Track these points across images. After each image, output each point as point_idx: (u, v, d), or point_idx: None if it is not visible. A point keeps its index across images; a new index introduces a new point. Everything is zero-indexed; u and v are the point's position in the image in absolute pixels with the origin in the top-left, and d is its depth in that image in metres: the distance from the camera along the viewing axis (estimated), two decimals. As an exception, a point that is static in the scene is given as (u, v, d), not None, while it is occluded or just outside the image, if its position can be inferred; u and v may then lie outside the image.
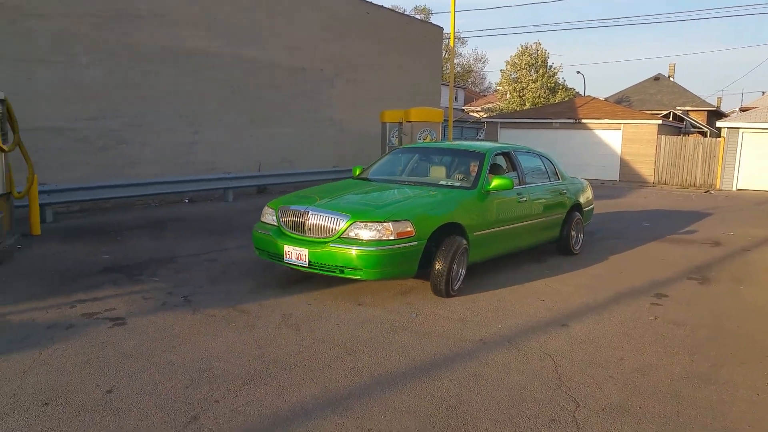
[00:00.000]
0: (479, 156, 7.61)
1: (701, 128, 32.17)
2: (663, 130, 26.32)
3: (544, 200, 8.30)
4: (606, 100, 34.30)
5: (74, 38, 12.34)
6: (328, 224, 6.04)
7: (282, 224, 6.46)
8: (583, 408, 3.96)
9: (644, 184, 25.22)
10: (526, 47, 43.20)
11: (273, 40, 17.00)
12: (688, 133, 30.46)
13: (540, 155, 8.95)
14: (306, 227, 6.19)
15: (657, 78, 40.98)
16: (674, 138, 25.60)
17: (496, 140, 28.70)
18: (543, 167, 8.79)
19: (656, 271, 8.17)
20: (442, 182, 7.47)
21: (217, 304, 6.01)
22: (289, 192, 7.87)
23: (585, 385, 4.31)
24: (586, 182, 10.02)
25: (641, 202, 17.76)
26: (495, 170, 7.53)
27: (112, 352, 4.68)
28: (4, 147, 8.28)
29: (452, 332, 5.36)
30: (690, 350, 5.13)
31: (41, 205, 10.18)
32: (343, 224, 5.96)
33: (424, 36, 23.67)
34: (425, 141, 14.66)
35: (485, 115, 41.35)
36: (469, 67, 63.26)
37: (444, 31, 25.41)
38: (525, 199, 7.76)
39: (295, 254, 6.11)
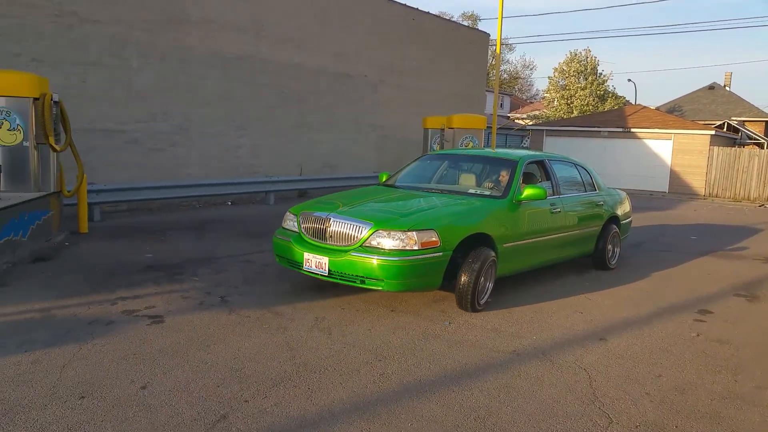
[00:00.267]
0: (511, 164, 7.33)
1: (758, 139, 31.11)
2: (716, 141, 25.55)
3: (579, 212, 7.99)
4: (657, 109, 33.51)
5: (127, 43, 12.73)
6: (350, 232, 5.85)
7: (303, 231, 6.27)
8: (616, 424, 3.85)
9: (695, 196, 24.51)
10: (575, 54, 42.64)
11: (319, 46, 17.19)
12: (743, 145, 29.52)
13: (576, 164, 8.64)
14: (327, 234, 5.99)
15: (712, 87, 39.85)
16: (728, 149, 24.81)
17: (541, 148, 28.36)
18: (579, 177, 8.48)
19: (702, 286, 7.92)
20: (471, 191, 7.24)
21: (252, 305, 6.08)
22: (329, 196, 7.84)
23: (620, 401, 4.20)
24: (624, 194, 9.66)
25: (691, 215, 17.26)
26: (528, 179, 7.32)
27: (149, 349, 4.78)
28: (57, 147, 8.60)
29: (485, 342, 5.30)
30: (733, 369, 4.94)
31: (90, 204, 10.51)
32: (365, 232, 5.76)
33: (470, 42, 23.58)
34: (467, 148, 14.56)
35: (531, 123, 40.90)
36: (516, 73, 62.72)
37: (491, 38, 25.27)
38: (559, 210, 7.47)
39: (315, 262, 5.93)
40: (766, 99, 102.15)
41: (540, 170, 7.77)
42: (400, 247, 5.62)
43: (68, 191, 9.25)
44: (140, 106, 13.13)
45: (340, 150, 18.24)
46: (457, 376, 4.52)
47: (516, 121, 46.67)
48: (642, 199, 21.75)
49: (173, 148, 13.91)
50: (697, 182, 25.03)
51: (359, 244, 5.76)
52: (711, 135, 25.13)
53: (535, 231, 7.06)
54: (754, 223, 15.67)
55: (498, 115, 31.88)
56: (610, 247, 8.56)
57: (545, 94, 47.13)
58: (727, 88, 39.98)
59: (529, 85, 65.87)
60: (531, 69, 64.85)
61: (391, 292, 6.16)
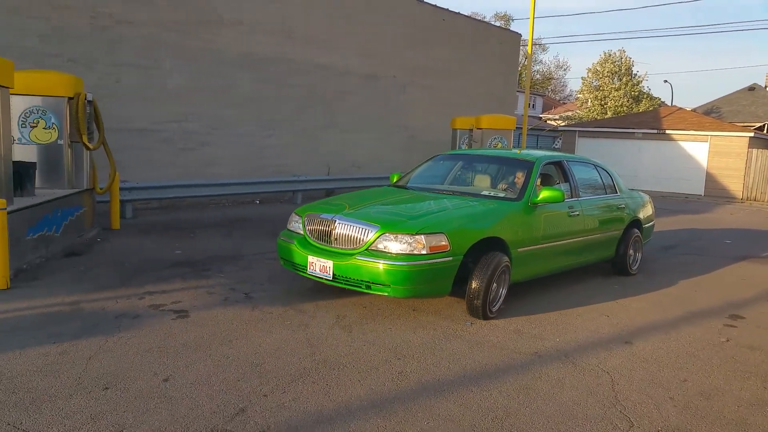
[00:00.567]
0: (527, 165, 7.05)
1: (799, 142, 30.23)
2: (755, 143, 24.91)
3: (598, 215, 7.69)
4: (694, 110, 32.84)
5: (160, 44, 12.95)
6: (356, 234, 5.62)
7: (307, 233, 6.07)
8: (636, 428, 3.78)
9: (731, 199, 23.95)
10: (609, 54, 42.04)
11: (348, 46, 17.27)
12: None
13: (596, 166, 8.35)
14: (332, 237, 5.77)
15: (752, 88, 38.87)
16: (767, 152, 24.19)
17: (573, 150, 28.02)
18: (599, 179, 8.18)
19: (734, 291, 7.73)
20: (485, 192, 6.94)
21: (276, 302, 6.14)
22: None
23: (642, 405, 4.13)
24: (646, 197, 9.33)
25: (726, 219, 16.87)
26: (545, 181, 7.10)
27: (173, 343, 4.86)
28: (90, 145, 8.79)
29: (506, 343, 5.26)
30: (763, 376, 4.82)
31: (122, 202, 10.73)
32: (371, 235, 5.54)
33: (501, 43, 23.43)
34: (495, 148, 14.46)
35: (563, 124, 40.45)
36: (550, 74, 62.08)
37: (522, 38, 25.07)
38: (577, 213, 7.19)
39: (319, 266, 5.72)
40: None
41: (558, 172, 7.51)
42: (407, 251, 5.40)
43: (100, 188, 9.46)
44: (172, 106, 13.35)
45: (367, 150, 18.29)
46: (476, 377, 4.49)
47: (548, 122, 46.19)
48: (676, 202, 21.38)
49: (203, 147, 14.11)
50: (735, 185, 24.46)
51: (365, 247, 5.55)
52: (750, 137, 24.51)
53: (552, 235, 6.79)
54: (793, 228, 15.24)
55: (529, 116, 31.59)
56: (631, 252, 8.28)
57: (578, 95, 46.55)
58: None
59: (563, 85, 65.18)
60: (564, 69, 64.27)
61: (398, 298, 5.95)
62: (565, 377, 4.56)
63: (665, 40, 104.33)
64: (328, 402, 3.95)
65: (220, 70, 14.16)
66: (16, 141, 8.13)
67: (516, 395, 4.20)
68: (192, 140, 13.87)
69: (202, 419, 3.64)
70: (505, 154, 8.06)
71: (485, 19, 35.77)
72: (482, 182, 7.41)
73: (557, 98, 62.14)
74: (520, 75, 35.33)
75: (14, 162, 7.20)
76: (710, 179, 25.05)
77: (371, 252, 5.50)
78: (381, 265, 5.36)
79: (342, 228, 5.73)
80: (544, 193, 6.50)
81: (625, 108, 40.29)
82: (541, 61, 60.00)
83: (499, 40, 23.38)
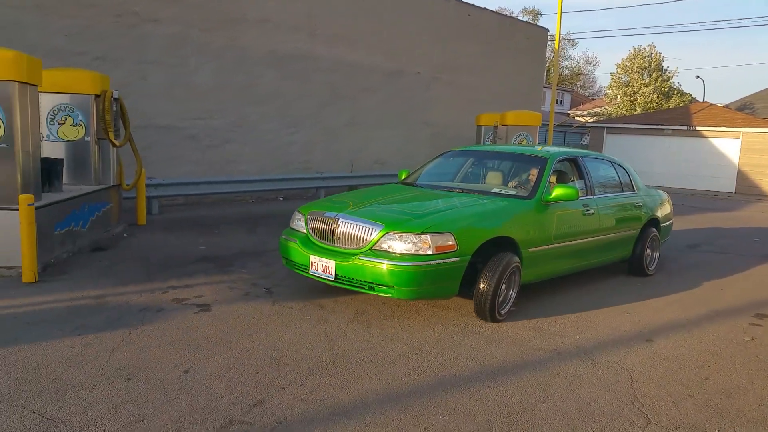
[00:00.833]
0: (540, 161, 6.83)
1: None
2: (789, 139, 24.36)
3: (614, 213, 7.44)
4: (726, 107, 32.18)
5: (185, 42, 13.11)
6: (359, 233, 5.43)
7: (310, 231, 5.89)
8: (654, 425, 3.75)
9: (763, 197, 23.44)
10: (639, 50, 41.43)
11: (372, 43, 17.28)
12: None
13: (613, 162, 8.12)
14: (335, 236, 5.58)
15: (785, 84, 37.93)
16: (801, 148, 23.64)
17: (600, 146, 27.71)
18: (616, 176, 7.94)
19: (761, 290, 7.59)
20: (496, 190, 6.70)
21: (296, 297, 6.19)
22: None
23: (660, 403, 4.09)
24: (665, 195, 9.07)
25: (757, 217, 16.53)
26: (559, 178, 6.93)
27: (194, 336, 4.94)
28: (116, 142, 8.96)
29: (525, 340, 5.24)
30: (787, 375, 4.73)
31: (148, 198, 10.91)
32: (375, 234, 5.34)
33: (528, 38, 23.22)
34: (520, 145, 14.35)
35: (591, 120, 39.98)
36: (578, 69, 61.35)
37: (550, 33, 24.83)
38: (592, 211, 6.94)
39: (321, 266, 5.53)
40: None
41: (573, 169, 7.29)
42: (412, 252, 5.19)
43: (127, 185, 9.63)
44: (197, 104, 13.51)
45: (391, 147, 18.29)
46: (493, 372, 4.49)
47: (576, 118, 45.69)
48: (705, 200, 21.02)
49: (228, 144, 14.26)
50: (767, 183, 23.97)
51: (368, 247, 5.36)
52: (784, 133, 23.98)
53: (565, 234, 6.54)
54: (826, 226, 14.87)
55: (556, 112, 31.33)
56: (648, 251, 8.03)
57: (607, 91, 46.00)
58: (802, 85, 38.04)
59: (592, 81, 64.34)
60: (594, 65, 63.33)
61: (401, 300, 5.77)
62: (583, 374, 4.53)
63: (698, 35, 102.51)
64: (345, 395, 3.99)
65: (244, 68, 14.29)
66: (45, 138, 8.31)
67: (533, 391, 4.19)
68: (217, 137, 14.03)
69: (220, 410, 3.70)
70: (517, 150, 7.83)
71: (513, 15, 35.46)
72: (493, 179, 7.18)
73: (586, 94, 61.38)
74: (547, 71, 35.03)
75: (42, 158, 7.37)
76: (741, 176, 24.57)
77: (375, 252, 5.31)
78: (385, 266, 5.16)
79: (345, 227, 5.55)
80: (558, 191, 6.28)
81: (654, 104, 39.70)
82: (569, 57, 59.46)
83: (525, 35, 23.18)
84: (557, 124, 33.98)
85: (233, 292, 6.31)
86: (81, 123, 8.50)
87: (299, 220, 6.14)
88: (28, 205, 6.23)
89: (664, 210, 8.68)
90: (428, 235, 5.23)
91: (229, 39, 13.85)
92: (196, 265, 7.46)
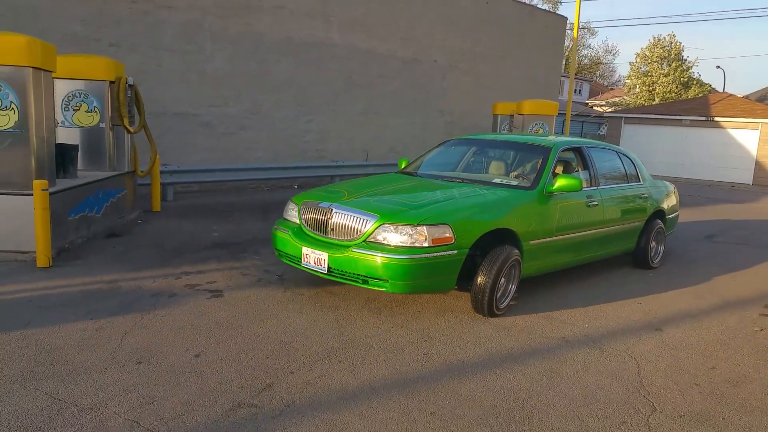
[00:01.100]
0: (543, 151, 6.59)
1: None
2: (810, 131, 23.99)
3: (619, 205, 7.23)
4: (746, 97, 31.73)
5: (200, 29, 13.15)
6: (353, 225, 5.22)
7: (303, 222, 5.68)
8: (659, 413, 3.76)
9: (782, 189, 23.15)
10: (659, 39, 40.92)
11: (388, 30, 17.21)
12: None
13: (619, 152, 7.89)
14: (329, 227, 5.38)
15: (807, 73, 37.27)
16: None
17: (618, 136, 27.48)
18: (621, 167, 7.71)
19: (775, 281, 7.52)
20: (497, 180, 6.47)
21: (307, 284, 6.23)
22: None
23: (667, 391, 4.10)
24: (671, 186, 8.85)
25: (775, 208, 16.33)
26: (563, 168, 6.75)
27: (206, 321, 4.99)
28: (131, 129, 9.02)
29: (534, 328, 5.24)
30: (798, 366, 4.70)
31: (163, 185, 10.99)
32: (369, 226, 5.13)
33: (546, 26, 22.99)
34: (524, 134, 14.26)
35: (609, 110, 39.61)
36: (598, 59, 60.66)
37: (569, 21, 24.58)
38: (596, 203, 6.73)
39: (314, 258, 5.33)
40: None
41: (577, 158, 7.06)
42: (408, 244, 4.99)
43: (141, 171, 9.70)
44: (213, 91, 13.56)
45: (406, 135, 18.25)
46: (501, 360, 4.51)
47: (594, 108, 45.27)
48: (722, 191, 20.80)
49: (243, 131, 14.31)
50: (786, 174, 23.67)
51: (363, 239, 5.15)
52: (803, 124, 23.62)
53: (568, 226, 6.33)
54: None
55: (574, 102, 31.02)
56: (653, 244, 7.86)
57: (626, 81, 45.53)
58: (824, 74, 37.36)
59: (611, 71, 63.60)
60: (614, 54, 62.53)
61: (396, 294, 5.57)
62: (591, 362, 4.54)
63: (719, 24, 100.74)
64: (353, 380, 4.02)
65: (260, 55, 14.31)
66: (59, 124, 8.40)
67: (540, 378, 4.20)
68: (232, 124, 14.09)
69: (229, 393, 3.75)
70: (520, 139, 7.49)
71: (530, 3, 35.06)
72: (495, 169, 6.97)
73: (605, 84, 60.74)
74: (566, 60, 34.70)
75: (57, 144, 7.44)
76: (759, 168, 24.26)
77: (369, 244, 5.11)
78: (379, 259, 4.95)
79: (339, 217, 5.34)
80: (561, 182, 6.06)
81: (673, 94, 39.24)
82: (589, 46, 58.75)
83: (544, 24, 22.96)
84: (575, 113, 33.70)
85: (245, 278, 6.36)
86: (96, 109, 8.57)
87: (292, 210, 5.95)
88: (42, 190, 6.30)
89: (669, 201, 8.49)
90: (425, 227, 5.03)
91: (244, 25, 13.86)
92: (210, 251, 7.52)
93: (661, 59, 40.47)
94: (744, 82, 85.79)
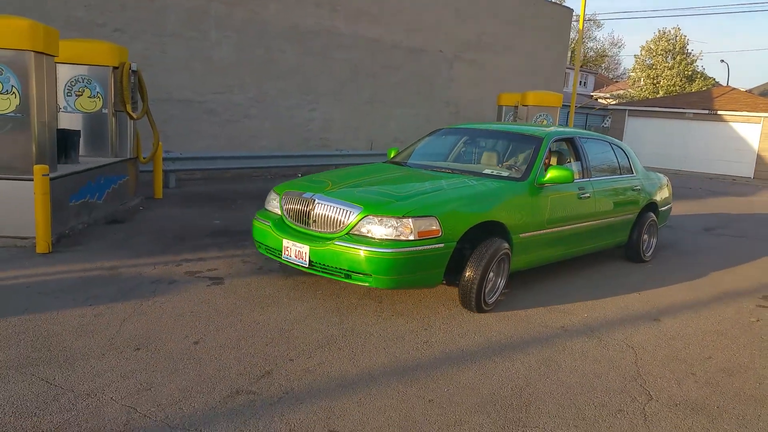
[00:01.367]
0: (535, 141, 6.40)
1: None
2: (813, 125, 23.90)
3: (611, 197, 7.07)
4: (749, 91, 31.59)
5: (206, 15, 13.10)
6: (336, 216, 5.01)
7: (284, 213, 5.46)
8: (655, 402, 3.80)
9: (785, 182, 23.10)
10: (664, 32, 40.71)
11: (394, 21, 17.14)
12: None
13: (612, 144, 7.70)
14: (311, 219, 5.16)
15: (813, 67, 37.06)
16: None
17: (622, 128, 27.41)
18: (614, 158, 7.53)
19: (774, 273, 7.53)
20: (487, 171, 6.25)
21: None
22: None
23: (663, 380, 4.14)
24: (664, 178, 8.66)
25: (778, 202, 16.30)
26: (555, 159, 6.59)
27: (206, 308, 5.00)
28: (134, 115, 9.01)
29: (534, 317, 5.26)
30: (793, 357, 4.72)
31: (165, 172, 10.99)
32: (353, 218, 4.91)
33: (552, 18, 22.87)
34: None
35: (613, 102, 39.47)
36: (604, 51, 60.37)
37: (575, 13, 24.47)
38: (588, 195, 6.55)
39: (295, 251, 5.11)
40: None
41: (569, 149, 6.87)
42: (392, 237, 4.77)
43: (144, 158, 9.70)
44: (217, 78, 13.53)
45: (411, 125, 18.21)
46: (500, 348, 4.52)
47: (599, 100, 45.09)
48: (723, 184, 20.78)
49: (247, 119, 14.29)
50: (789, 168, 23.61)
51: (346, 231, 4.94)
52: (807, 118, 23.54)
53: (559, 219, 6.16)
54: None
55: (579, 94, 30.91)
56: (645, 237, 7.73)
57: (631, 73, 45.32)
58: (831, 68, 37.16)
59: (617, 63, 63.32)
60: (619, 47, 62.17)
61: (380, 289, 5.36)
62: (588, 351, 4.56)
63: (724, 18, 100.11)
64: (352, 368, 4.03)
65: (265, 43, 14.26)
66: (62, 109, 8.39)
67: (538, 366, 4.22)
68: (236, 112, 14.06)
69: (227, 380, 3.76)
70: (512, 129, 7.20)
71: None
72: (486, 159, 6.77)
73: (610, 76, 60.47)
74: (571, 52, 34.51)
75: (59, 129, 7.43)
76: (761, 162, 24.24)
77: (352, 237, 4.89)
78: (362, 252, 4.73)
79: (321, 208, 5.11)
80: (552, 173, 5.87)
81: (677, 87, 39.09)
82: (595, 38, 58.47)
83: (550, 15, 22.85)
84: (579, 105, 33.58)
85: (246, 266, 6.37)
86: (98, 95, 8.56)
87: (274, 200, 5.73)
88: (43, 175, 6.28)
89: (662, 194, 8.35)
90: (410, 219, 4.81)
91: (249, 13, 13.81)
92: (211, 238, 7.52)
93: (666, 52, 40.27)
94: (747, 77, 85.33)
